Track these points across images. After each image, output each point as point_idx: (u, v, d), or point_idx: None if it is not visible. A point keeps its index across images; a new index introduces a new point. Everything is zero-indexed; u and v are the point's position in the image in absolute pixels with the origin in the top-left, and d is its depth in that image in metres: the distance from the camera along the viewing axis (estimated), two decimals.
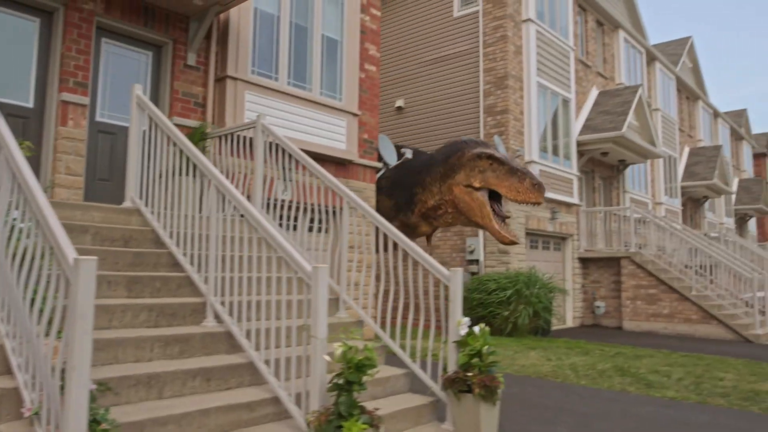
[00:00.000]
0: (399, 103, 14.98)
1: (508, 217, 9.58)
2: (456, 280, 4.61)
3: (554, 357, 9.08)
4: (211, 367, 3.94)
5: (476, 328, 4.44)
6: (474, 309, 11.76)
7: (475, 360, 4.39)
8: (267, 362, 4.01)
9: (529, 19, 13.89)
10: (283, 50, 8.57)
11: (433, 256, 13.53)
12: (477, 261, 12.93)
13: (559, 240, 15.17)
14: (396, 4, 15.66)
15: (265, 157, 6.55)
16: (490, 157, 9.16)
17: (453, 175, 9.46)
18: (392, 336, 5.10)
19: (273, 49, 8.48)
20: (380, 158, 10.55)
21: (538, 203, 8.98)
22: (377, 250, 9.08)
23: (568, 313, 14.98)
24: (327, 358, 3.51)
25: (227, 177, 6.91)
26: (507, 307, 11.34)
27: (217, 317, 4.48)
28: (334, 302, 5.52)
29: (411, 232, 10.55)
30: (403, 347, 4.97)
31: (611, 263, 15.14)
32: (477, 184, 9.20)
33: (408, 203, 10.32)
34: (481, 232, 12.89)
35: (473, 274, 12.80)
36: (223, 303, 4.44)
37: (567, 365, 8.40)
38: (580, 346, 10.52)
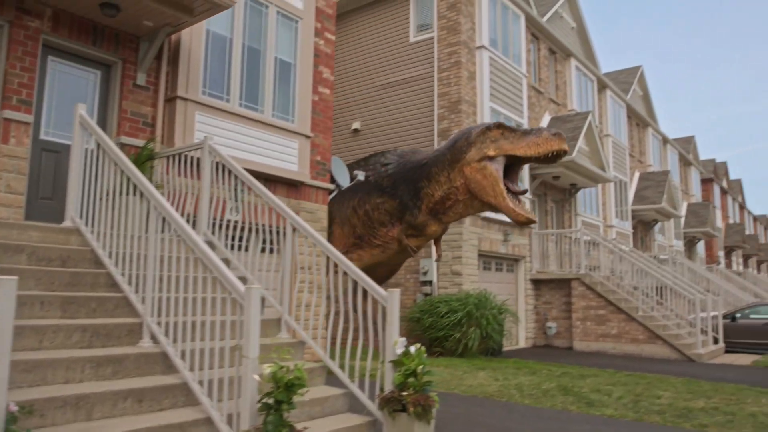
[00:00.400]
0: (356, 125, 15.14)
1: (524, 192, 8.75)
2: (393, 301, 4.71)
3: (502, 377, 9.23)
4: (144, 388, 3.92)
5: (412, 348, 4.53)
6: (426, 331, 11.89)
7: (411, 379, 4.47)
8: (201, 383, 4.01)
9: (482, 46, 14.28)
10: (235, 72, 8.63)
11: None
12: (430, 282, 13.07)
13: (512, 262, 15.45)
14: (354, 28, 15.91)
15: (214, 177, 6.57)
16: (500, 125, 8.64)
17: (462, 156, 8.83)
18: (332, 356, 5.15)
19: (225, 71, 8.53)
20: (333, 180, 10.64)
21: (563, 150, 8.13)
22: (327, 272, 9.11)
23: (521, 333, 15.21)
24: (257, 377, 3.55)
25: (175, 197, 6.90)
26: (458, 329, 11.49)
27: (154, 338, 4.47)
28: (276, 323, 5.55)
29: (420, 234, 9.92)
30: (342, 367, 5.02)
31: (563, 285, 15.47)
32: (492, 153, 8.49)
33: (414, 199, 9.66)
34: (433, 253, 13.04)
35: (426, 295, 12.93)
36: (159, 323, 4.44)
37: (513, 385, 8.55)
38: (529, 366, 10.70)
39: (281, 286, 5.68)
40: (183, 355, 4.19)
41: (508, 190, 8.48)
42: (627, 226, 23.22)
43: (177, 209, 6.73)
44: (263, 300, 5.79)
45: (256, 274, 5.95)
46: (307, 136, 9.58)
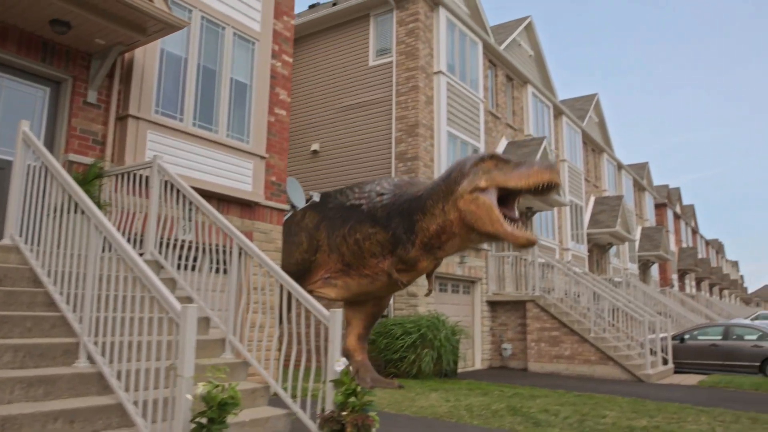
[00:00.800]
0: (315, 146, 15.22)
1: (518, 219, 8.35)
2: (335, 321, 4.75)
3: (453, 398, 9.29)
4: (77, 409, 3.86)
5: (352, 368, 4.56)
6: (381, 352, 11.91)
7: (352, 399, 4.50)
8: (136, 403, 3.97)
9: (440, 72, 14.58)
10: (189, 92, 8.63)
11: None
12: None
13: (468, 284, 15.62)
14: (315, 51, 16.06)
15: (165, 196, 6.54)
16: (494, 156, 8.44)
17: (456, 187, 8.58)
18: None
19: (179, 91, 8.52)
20: (289, 200, 10.65)
21: (554, 183, 7.77)
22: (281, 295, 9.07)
23: (477, 355, 15.34)
24: (189, 397, 3.54)
25: (124, 216, 6.83)
26: (413, 351, 11.54)
27: (90, 358, 4.40)
28: (221, 343, 5.52)
29: (410, 269, 9.62)
30: (286, 388, 5.02)
31: (518, 306, 15.70)
32: (483, 184, 8.23)
33: (408, 233, 9.32)
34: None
35: (382, 317, 12.95)
36: (97, 343, 4.38)
37: (463, 406, 8.61)
38: (482, 388, 10.79)
39: (227, 306, 5.66)
40: (119, 376, 4.14)
41: (505, 216, 8.18)
42: (582, 249, 23.73)
43: (126, 228, 6.66)
44: (208, 320, 5.76)
45: (203, 295, 5.92)
46: (262, 157, 9.61)
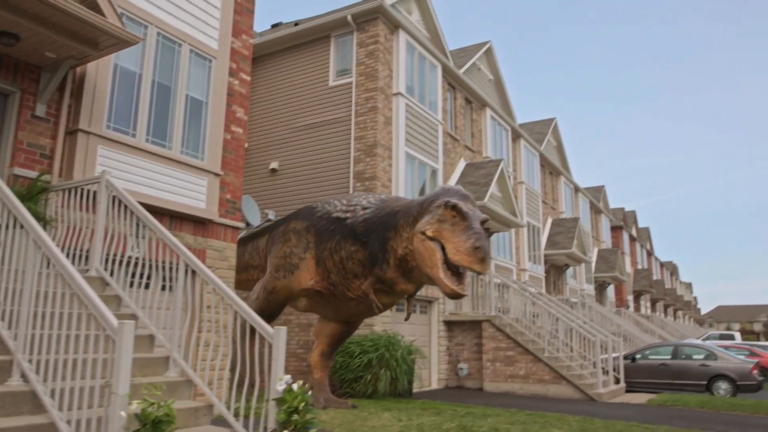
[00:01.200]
0: (273, 165, 15.21)
1: (462, 274, 7.83)
2: (279, 338, 4.74)
3: (405, 418, 9.29)
4: (6, 428, 3.76)
5: (295, 386, 4.57)
6: (337, 372, 11.85)
7: (294, 417, 4.49)
8: (69, 422, 3.88)
9: (399, 93, 14.78)
10: (143, 108, 8.56)
11: (299, 319, 13.57)
12: None
13: (425, 303, 15.71)
14: (275, 69, 16.12)
15: (114, 212, 6.45)
16: (455, 208, 7.75)
17: (418, 221, 8.18)
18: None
19: (132, 106, 8.45)
20: (243, 218, 10.60)
21: (473, 270, 7.46)
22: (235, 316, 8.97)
23: (433, 375, 15.38)
24: (123, 414, 3.49)
25: (71, 231, 6.70)
26: (369, 371, 11.52)
27: (24, 376, 4.30)
28: (165, 361, 5.44)
29: (390, 290, 9.01)
30: (230, 407, 4.97)
31: (474, 326, 15.83)
32: (429, 233, 7.87)
33: (382, 251, 8.71)
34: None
35: None
36: (31, 361, 4.28)
37: (415, 425, 8.63)
38: (435, 407, 10.82)
39: (172, 323, 5.60)
40: (53, 394, 4.05)
41: (449, 266, 7.71)
42: (540, 270, 24.11)
43: (72, 244, 6.53)
44: (153, 338, 5.68)
45: (150, 312, 5.84)
46: (217, 174, 9.56)
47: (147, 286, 6.07)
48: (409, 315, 9.67)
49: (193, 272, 5.60)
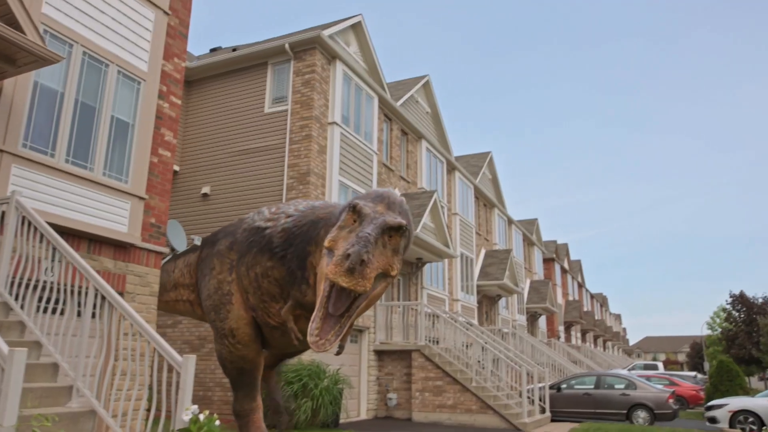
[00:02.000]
0: (206, 189, 14.98)
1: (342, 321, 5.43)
2: (188, 367, 4.65)
3: None
4: None
5: (201, 416, 4.48)
6: (262, 401, 11.61)
7: None
8: None
9: (334, 122, 14.92)
10: (64, 127, 8.32)
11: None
12: None
13: (355, 332, 15.66)
14: (211, 94, 16.00)
15: (25, 234, 6.21)
16: (355, 209, 5.74)
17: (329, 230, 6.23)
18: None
19: (52, 125, 8.21)
20: (168, 243, 10.38)
21: (339, 285, 5.10)
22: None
23: (362, 405, 15.28)
24: None
25: None
26: (293, 401, 11.36)
27: None
28: (67, 390, 5.23)
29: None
30: None
31: (404, 356, 15.88)
32: (327, 244, 5.75)
33: (301, 268, 6.79)
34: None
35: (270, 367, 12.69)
36: None
37: None
38: None
39: (78, 351, 5.40)
40: None
41: (331, 298, 5.38)
42: (472, 300, 24.48)
43: None
44: (57, 366, 5.46)
45: (57, 339, 5.61)
46: (141, 198, 9.35)
47: (63, 312, 5.85)
48: (341, 349, 6.69)
49: (103, 297, 5.44)
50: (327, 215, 6.90)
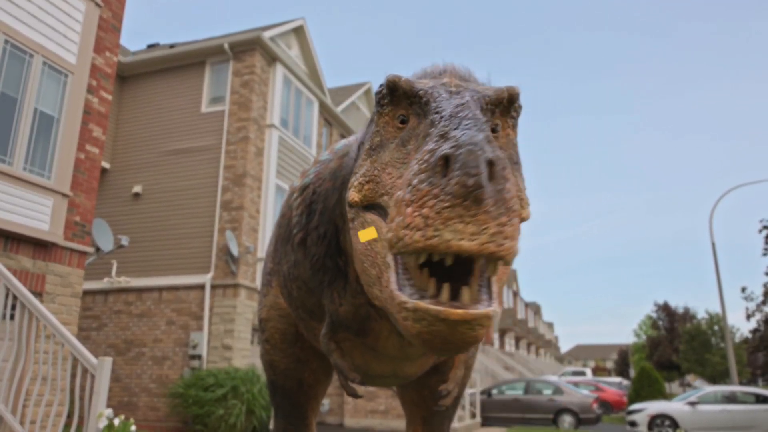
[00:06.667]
0: (137, 189, 14.54)
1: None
2: (103, 370, 4.50)
3: None
4: None
5: (116, 420, 4.34)
6: (190, 407, 11.34)
7: None
8: None
9: (272, 125, 14.77)
10: None
11: (152, 352, 12.92)
12: (199, 356, 12.60)
13: None
14: (145, 91, 15.56)
15: None
16: (394, 90, 1.77)
17: None
18: None
19: None
20: (93, 243, 10.02)
21: (451, 250, 1.39)
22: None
23: None
24: None
25: None
26: (223, 405, 11.13)
27: None
28: None
29: (365, 338, 2.56)
30: None
31: None
32: (353, 196, 1.87)
33: (332, 256, 2.57)
34: (206, 326, 12.67)
35: (193, 369, 12.41)
36: None
37: None
38: None
39: None
40: None
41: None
42: None
43: None
44: None
45: None
46: (65, 195, 8.99)
47: None
48: (355, 394, 2.52)
49: (15, 297, 5.21)
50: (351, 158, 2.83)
